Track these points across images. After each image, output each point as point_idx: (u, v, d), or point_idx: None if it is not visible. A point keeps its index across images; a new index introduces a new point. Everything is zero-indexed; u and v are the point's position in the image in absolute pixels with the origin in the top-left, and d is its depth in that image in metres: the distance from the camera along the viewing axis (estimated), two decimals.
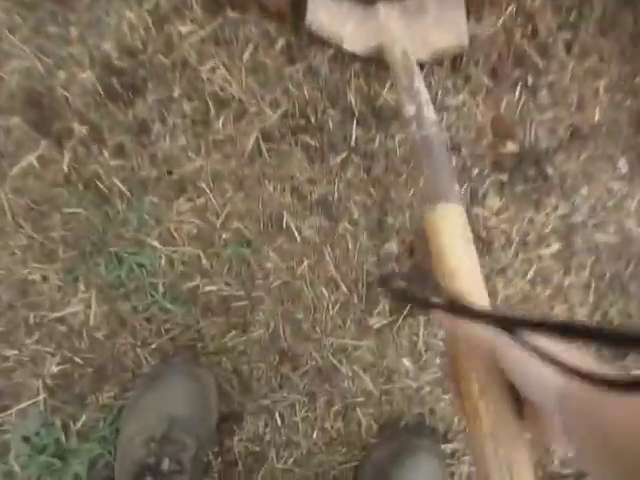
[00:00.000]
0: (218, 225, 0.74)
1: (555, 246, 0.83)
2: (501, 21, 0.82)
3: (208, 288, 0.74)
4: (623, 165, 0.88)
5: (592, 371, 0.27)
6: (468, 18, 0.81)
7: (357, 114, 0.80)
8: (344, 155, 0.79)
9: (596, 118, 0.87)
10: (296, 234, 0.76)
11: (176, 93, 0.75)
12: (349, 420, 0.76)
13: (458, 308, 0.36)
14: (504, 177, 0.83)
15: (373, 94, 0.81)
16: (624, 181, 0.86)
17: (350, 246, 0.78)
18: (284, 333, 0.75)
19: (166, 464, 0.65)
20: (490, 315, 0.32)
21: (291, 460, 0.75)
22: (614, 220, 0.86)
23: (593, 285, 0.82)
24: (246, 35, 0.77)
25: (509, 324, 0.31)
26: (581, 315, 0.82)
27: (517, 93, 0.84)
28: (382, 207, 0.79)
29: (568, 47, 0.85)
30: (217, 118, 0.76)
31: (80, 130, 0.73)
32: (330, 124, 0.79)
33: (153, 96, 0.75)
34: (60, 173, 0.73)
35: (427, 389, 0.77)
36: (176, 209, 0.74)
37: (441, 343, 0.79)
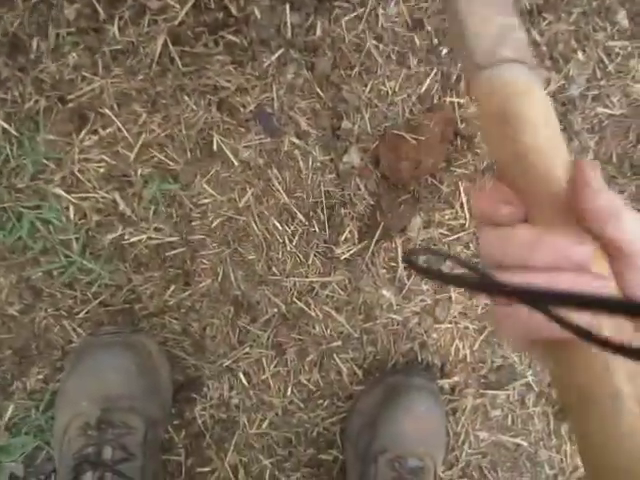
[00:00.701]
0: (132, 158, 0.62)
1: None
2: None
3: (134, 238, 0.62)
4: (623, 19, 0.75)
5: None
6: None
7: None
8: (280, 52, 0.65)
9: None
10: (232, 158, 0.64)
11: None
12: (327, 369, 0.67)
13: (490, 284, 0.29)
14: None
15: None
16: (625, 38, 0.73)
17: (301, 164, 0.65)
18: (235, 279, 0.65)
19: (108, 452, 0.56)
20: (526, 291, 0.24)
21: (265, 423, 0.66)
22: (618, 87, 0.73)
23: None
24: None
25: (546, 300, 0.24)
26: None
27: None
28: (335, 111, 0.66)
29: None
30: (110, 22, 0.62)
31: None
32: (257, 13, 0.65)
33: (24, 3, 0.60)
34: None
35: (415, 320, 0.68)
36: (78, 145, 0.61)
37: (426, 265, 0.68)
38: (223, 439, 0.66)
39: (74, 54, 0.62)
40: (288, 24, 0.65)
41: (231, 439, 0.66)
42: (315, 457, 0.67)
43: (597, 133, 0.71)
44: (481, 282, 0.29)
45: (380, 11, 0.67)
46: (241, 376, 0.65)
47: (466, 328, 0.69)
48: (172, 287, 0.64)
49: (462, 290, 0.68)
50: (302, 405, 0.66)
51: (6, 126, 0.61)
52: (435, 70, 0.68)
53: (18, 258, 0.61)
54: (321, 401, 0.67)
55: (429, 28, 0.68)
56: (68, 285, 0.62)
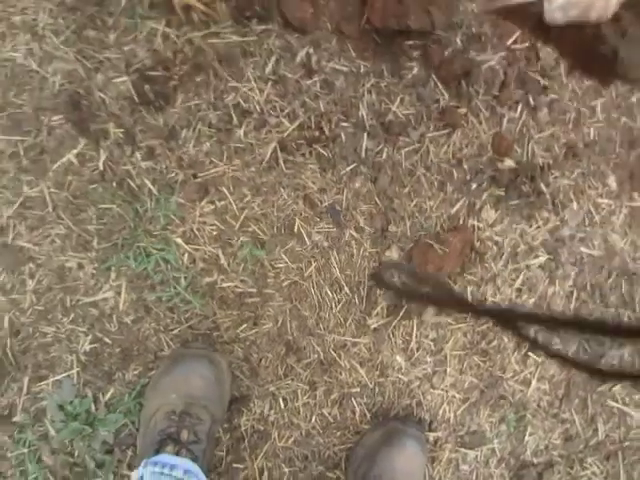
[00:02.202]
0: (236, 227, 0.90)
1: (542, 257, 0.99)
2: (507, 47, 0.97)
3: (225, 284, 0.90)
4: (612, 182, 1.04)
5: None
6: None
7: (368, 127, 0.95)
8: (353, 166, 0.94)
9: (591, 136, 1.02)
10: (306, 238, 0.92)
11: (203, 102, 0.90)
12: (345, 408, 0.94)
13: (459, 301, 0.38)
14: (501, 192, 0.99)
15: (383, 109, 0.96)
16: (611, 198, 1.02)
17: (354, 252, 0.94)
18: (291, 328, 0.92)
19: (185, 435, 0.82)
20: (494, 309, 0.34)
21: (291, 440, 0.93)
22: (599, 234, 1.02)
23: (575, 294, 0.99)
24: (269, 47, 0.92)
25: (514, 318, 0.32)
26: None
27: (518, 112, 0.99)
28: (386, 216, 0.95)
29: (569, 69, 0.99)
30: (239, 127, 0.91)
31: (115, 132, 0.88)
32: (342, 136, 0.94)
33: (182, 104, 0.90)
34: (96, 171, 0.88)
35: (416, 383, 0.95)
36: (199, 210, 0.90)
37: (432, 343, 0.96)
38: (257, 446, 0.92)
39: (208, 144, 0.91)
40: (364, 147, 0.95)
41: (263, 447, 0.92)
42: (323, 474, 0.93)
43: (578, 266, 0.99)
44: (449, 299, 0.38)
45: (432, 149, 0.96)
46: (280, 400, 0.92)
47: (453, 397, 0.96)
48: (244, 325, 0.91)
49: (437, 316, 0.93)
50: (321, 431, 0.93)
51: (151, 187, 0.89)
52: (464, 199, 0.97)
53: (141, 283, 0.89)
54: (335, 431, 0.93)
55: (465, 167, 0.97)
56: (170, 309, 0.90)
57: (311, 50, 0.92)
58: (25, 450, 0.87)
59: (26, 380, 0.88)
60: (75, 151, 0.87)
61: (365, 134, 0.94)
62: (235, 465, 0.92)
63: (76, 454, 0.87)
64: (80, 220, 0.88)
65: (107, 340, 0.89)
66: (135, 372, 0.89)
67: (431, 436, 0.94)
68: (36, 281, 0.88)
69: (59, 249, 0.88)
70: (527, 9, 0.65)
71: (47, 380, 0.88)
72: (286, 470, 0.92)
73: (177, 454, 0.81)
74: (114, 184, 0.88)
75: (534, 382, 0.97)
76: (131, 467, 0.89)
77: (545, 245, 0.99)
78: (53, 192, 0.88)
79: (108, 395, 0.89)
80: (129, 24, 0.88)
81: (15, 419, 0.88)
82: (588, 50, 0.65)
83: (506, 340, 0.96)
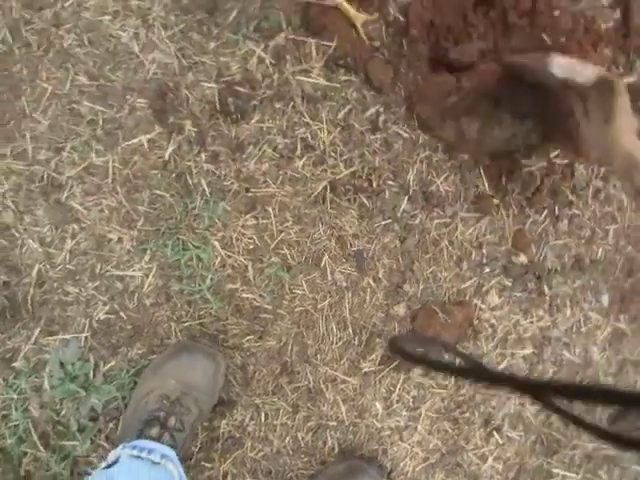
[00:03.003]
0: (271, 246, 0.99)
1: (528, 350, 1.10)
2: (550, 159, 1.09)
3: (245, 295, 0.98)
4: (605, 300, 1.17)
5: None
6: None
7: (410, 192, 1.05)
8: (388, 221, 1.04)
9: (598, 255, 1.14)
10: (329, 274, 1.01)
11: (275, 127, 0.99)
12: (318, 437, 1.01)
13: (478, 372, 0.38)
14: (509, 282, 1.10)
15: (429, 180, 1.06)
16: (601, 314, 1.14)
17: (367, 298, 1.03)
18: (291, 350, 1.00)
19: (172, 421, 0.89)
20: (512, 379, 0.33)
21: (261, 453, 1.00)
22: (582, 343, 1.14)
23: None
24: (347, 96, 1.02)
25: (532, 388, 0.31)
26: (528, 413, 1.09)
27: (542, 217, 1.11)
28: (403, 275, 1.05)
29: (596, 192, 1.12)
30: (300, 158, 1.00)
31: (190, 130, 0.96)
32: (386, 193, 1.04)
33: (256, 123, 0.98)
34: (161, 159, 0.96)
35: (387, 432, 1.03)
36: (242, 222, 0.98)
37: (411, 400, 1.05)
38: (228, 450, 0.99)
39: (268, 165, 1.00)
40: (402, 208, 1.05)
41: (234, 453, 0.99)
42: None
43: (557, 366, 1.11)
44: (471, 370, 0.39)
45: (460, 226, 1.07)
46: (262, 414, 0.99)
47: (417, 453, 1.05)
48: (250, 336, 0.99)
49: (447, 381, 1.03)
50: (291, 452, 1.00)
51: (205, 188, 0.97)
52: (475, 279, 1.07)
53: (170, 272, 0.96)
54: (303, 456, 1.01)
55: (484, 251, 1.08)
56: (188, 303, 0.97)
57: (381, 109, 1.02)
58: (15, 396, 0.92)
59: (37, 331, 0.93)
60: (148, 136, 0.95)
61: (406, 197, 1.05)
62: (203, 463, 0.98)
63: (62, 413, 0.92)
64: (133, 199, 0.95)
65: (122, 315, 0.96)
66: (139, 351, 0.96)
67: None
68: (75, 242, 0.94)
69: (105, 219, 0.95)
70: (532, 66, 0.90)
71: (56, 336, 0.94)
72: None
73: (159, 437, 0.87)
74: (173, 175, 0.96)
75: (490, 459, 1.07)
76: (109, 439, 0.95)
77: (533, 340, 1.10)
78: (117, 166, 0.95)
79: (108, 366, 0.94)
80: (231, 39, 0.97)
81: (14, 364, 0.93)
82: (560, 121, 0.82)
83: (477, 415, 1.06)
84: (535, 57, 0.96)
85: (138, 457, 0.80)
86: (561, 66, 0.86)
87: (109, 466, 0.78)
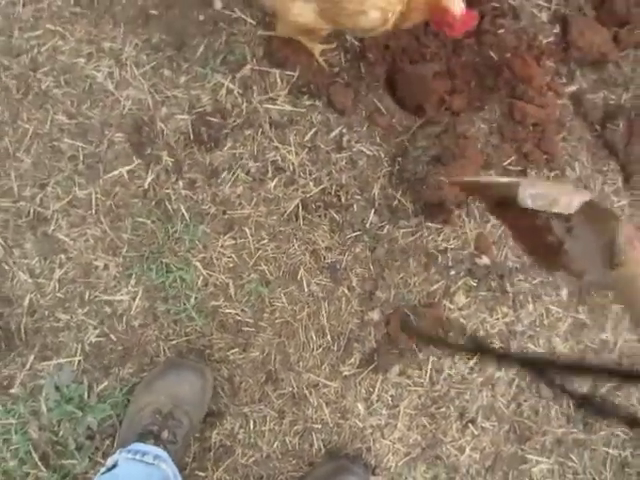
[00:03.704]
0: (250, 264, 1.07)
1: (496, 345, 1.20)
2: (503, 168, 1.20)
3: (227, 310, 1.06)
4: (564, 294, 1.27)
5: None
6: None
7: (377, 205, 1.14)
8: (358, 233, 1.13)
9: None
10: (305, 286, 1.09)
11: (247, 152, 1.07)
12: (305, 439, 1.09)
13: (485, 350, 0.45)
14: (474, 282, 1.19)
15: (391, 194, 1.16)
16: (561, 307, 1.24)
17: (343, 306, 1.11)
18: (274, 360, 1.08)
19: (165, 434, 0.95)
20: (518, 356, 0.39)
21: (252, 459, 1.07)
22: (546, 335, 1.23)
23: (516, 382, 1.19)
24: (312, 120, 1.11)
25: (537, 365, 0.35)
26: (500, 403, 1.18)
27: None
28: (375, 282, 1.13)
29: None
30: (272, 180, 1.08)
31: (167, 160, 1.04)
32: (355, 207, 1.13)
33: (228, 150, 1.07)
34: (141, 188, 1.04)
35: (369, 431, 1.11)
36: (221, 242, 1.06)
37: (390, 399, 1.13)
38: (220, 458, 1.06)
39: (242, 188, 1.08)
40: (370, 220, 1.14)
41: (226, 461, 1.06)
42: None
43: None
44: (478, 348, 0.47)
45: (425, 234, 1.16)
46: (251, 422, 1.07)
47: (398, 449, 1.13)
48: (235, 349, 1.06)
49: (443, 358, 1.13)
50: (280, 456, 1.07)
51: (184, 212, 1.05)
52: (443, 282, 1.17)
53: (156, 294, 1.03)
54: (292, 459, 1.08)
55: (449, 255, 1.18)
56: (175, 322, 1.04)
57: (345, 130, 1.12)
58: (14, 421, 0.98)
59: (31, 357, 1.00)
60: (127, 167, 1.03)
61: (373, 210, 1.14)
62: (197, 472, 1.05)
63: (60, 434, 0.98)
64: (116, 227, 1.03)
65: (112, 337, 1.03)
66: (130, 370, 1.03)
67: None
68: (63, 271, 1.01)
69: (91, 248, 1.02)
70: (495, 189, 0.82)
71: (50, 361, 1.00)
72: None
73: None
74: (153, 203, 1.04)
75: (468, 450, 1.16)
76: (105, 456, 1.01)
77: (500, 335, 1.20)
78: (99, 198, 1.02)
79: (102, 386, 1.01)
80: (200, 73, 1.05)
81: (12, 391, 0.99)
82: (538, 237, 0.77)
83: (452, 409, 1.15)
84: (501, 183, 0.86)
85: (133, 459, 0.87)
86: (533, 196, 0.75)
87: (109, 470, 0.84)
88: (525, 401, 1.19)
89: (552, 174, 1.21)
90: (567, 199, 0.73)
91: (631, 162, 1.27)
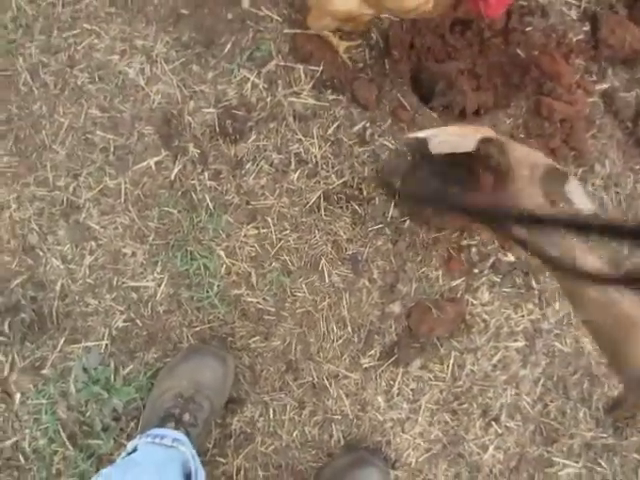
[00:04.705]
0: (271, 253, 1.10)
1: (521, 342, 1.19)
2: None
3: (249, 299, 1.10)
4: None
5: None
6: None
7: (398, 199, 1.16)
8: (380, 226, 1.15)
9: None
10: (327, 277, 1.12)
11: (271, 145, 1.12)
12: (324, 430, 1.11)
13: (486, 210, 0.45)
14: (498, 278, 1.20)
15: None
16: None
17: (364, 298, 1.13)
18: (295, 349, 1.11)
19: (186, 417, 0.99)
20: (517, 214, 0.38)
21: (272, 447, 1.09)
22: (573, 335, 1.22)
23: (542, 381, 1.18)
24: (335, 114, 1.15)
25: (535, 221, 0.37)
26: (525, 403, 1.18)
27: None
28: (397, 275, 1.15)
29: None
30: (294, 172, 1.12)
31: (193, 151, 1.09)
32: (377, 200, 1.16)
33: (253, 142, 1.11)
34: (168, 179, 1.09)
35: (390, 424, 1.12)
36: (244, 232, 1.10)
37: (411, 392, 1.14)
38: (240, 445, 1.09)
39: (265, 179, 1.12)
40: (390, 213, 1.16)
41: (246, 448, 1.09)
42: None
43: (549, 357, 1.19)
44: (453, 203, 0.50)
45: (452, 233, 1.18)
46: (271, 410, 1.09)
47: (419, 444, 1.13)
48: (256, 337, 1.10)
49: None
50: (299, 446, 1.09)
51: (209, 202, 1.10)
52: (464, 277, 1.17)
53: (180, 281, 1.08)
54: (311, 449, 1.10)
55: (473, 250, 1.18)
56: (198, 309, 1.09)
57: (368, 124, 1.15)
58: (44, 401, 1.03)
59: (62, 340, 1.05)
60: (156, 159, 1.09)
61: (392, 203, 1.16)
62: (218, 458, 1.08)
63: (87, 414, 1.03)
64: (144, 216, 1.08)
65: (138, 322, 1.07)
66: (154, 355, 1.07)
67: (392, 474, 1.11)
68: (93, 258, 1.07)
69: (120, 236, 1.08)
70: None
71: (79, 344, 1.06)
72: (260, 474, 1.09)
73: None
74: (179, 193, 1.09)
75: (491, 449, 1.15)
76: (130, 438, 1.05)
77: (525, 332, 1.19)
78: (128, 187, 1.08)
79: (127, 370, 1.06)
80: (227, 68, 1.11)
81: (43, 372, 1.05)
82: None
83: (475, 406, 1.15)
84: (415, 138, 0.98)
85: (152, 443, 0.90)
86: (437, 146, 0.88)
87: (128, 454, 0.88)
88: (551, 402, 1.18)
89: (580, 170, 1.21)
90: (468, 140, 0.84)
91: None
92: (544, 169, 0.86)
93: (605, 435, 1.20)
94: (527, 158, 0.84)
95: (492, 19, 1.14)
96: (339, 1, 0.93)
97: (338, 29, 1.11)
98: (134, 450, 0.90)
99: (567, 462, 1.18)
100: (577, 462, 1.18)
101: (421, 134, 0.93)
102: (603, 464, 1.19)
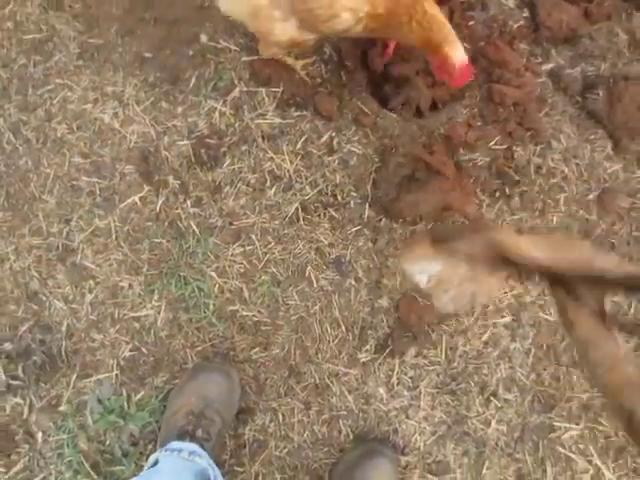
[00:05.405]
0: (259, 267, 1.18)
1: (507, 318, 1.26)
2: (489, 149, 1.28)
3: (245, 313, 1.17)
4: None
5: None
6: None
7: (371, 200, 1.24)
8: (358, 228, 1.23)
9: (554, 223, 1.31)
10: (314, 282, 1.19)
11: (245, 166, 1.20)
12: (332, 427, 1.17)
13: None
14: None
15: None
16: None
17: (352, 297, 1.21)
18: (295, 355, 1.18)
19: (199, 432, 1.06)
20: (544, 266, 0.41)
21: (285, 450, 1.16)
22: (552, 302, 1.29)
23: (532, 351, 1.25)
24: (301, 129, 1.23)
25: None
26: (519, 374, 1.24)
27: (496, 198, 1.29)
28: (380, 271, 1.22)
29: (537, 168, 1.30)
30: (270, 188, 1.20)
31: (173, 183, 1.17)
32: (351, 204, 1.23)
33: (228, 166, 1.19)
34: (154, 212, 1.17)
35: (394, 413, 1.19)
36: (231, 251, 1.17)
37: (410, 380, 1.21)
38: (255, 453, 1.15)
39: (244, 199, 1.20)
40: (366, 214, 1.24)
41: (261, 454, 1.15)
42: None
43: (536, 328, 1.26)
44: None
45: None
46: (280, 415, 1.16)
47: (425, 428, 1.20)
48: (256, 348, 1.17)
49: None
50: (311, 446, 1.16)
51: (195, 228, 1.17)
52: None
53: (178, 305, 1.15)
54: (322, 447, 1.17)
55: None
56: (197, 329, 1.16)
57: (334, 134, 1.23)
58: (65, 436, 1.10)
59: (74, 377, 1.12)
60: (140, 195, 1.16)
61: (367, 205, 1.24)
62: (236, 468, 1.15)
63: (107, 443, 1.10)
64: (136, 249, 1.16)
65: (144, 350, 1.14)
66: (163, 379, 1.14)
67: (403, 460, 1.17)
68: (93, 295, 1.15)
69: (115, 271, 1.15)
70: None
71: (91, 378, 1.13)
72: (278, 477, 1.15)
73: None
74: (166, 224, 1.17)
75: (494, 423, 1.22)
76: None
77: (510, 308, 1.26)
78: (118, 225, 1.16)
79: (139, 396, 1.13)
80: (194, 101, 1.19)
81: (60, 408, 1.12)
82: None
83: (472, 384, 1.22)
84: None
85: (171, 455, 0.97)
86: (452, 300, 0.71)
87: (152, 466, 0.95)
88: (544, 369, 1.25)
89: (538, 148, 1.29)
90: (483, 290, 0.70)
91: (617, 127, 1.34)
92: None
93: (600, 394, 1.26)
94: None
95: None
96: (279, 32, 1.01)
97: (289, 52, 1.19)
98: (156, 462, 0.97)
99: (568, 425, 1.24)
100: (578, 424, 1.25)
101: (423, 281, 0.75)
102: (604, 422, 1.25)
